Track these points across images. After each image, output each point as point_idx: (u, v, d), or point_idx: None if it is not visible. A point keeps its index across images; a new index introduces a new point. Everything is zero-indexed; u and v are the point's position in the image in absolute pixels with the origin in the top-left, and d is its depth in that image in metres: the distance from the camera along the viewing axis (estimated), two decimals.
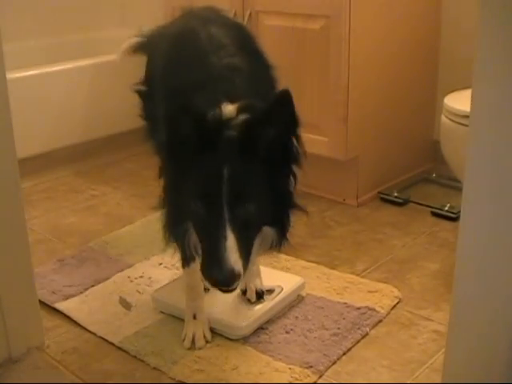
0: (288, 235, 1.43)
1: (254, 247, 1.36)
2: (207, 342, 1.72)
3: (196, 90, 1.41)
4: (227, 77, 1.46)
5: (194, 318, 1.73)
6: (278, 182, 1.35)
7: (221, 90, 1.42)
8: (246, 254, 1.27)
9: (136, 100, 1.81)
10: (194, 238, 1.40)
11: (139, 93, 1.79)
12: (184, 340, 1.71)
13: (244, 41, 1.62)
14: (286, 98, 1.25)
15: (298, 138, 1.33)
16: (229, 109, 1.35)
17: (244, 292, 1.83)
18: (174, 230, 1.42)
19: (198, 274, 1.71)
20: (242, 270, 1.24)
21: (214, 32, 1.58)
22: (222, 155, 1.29)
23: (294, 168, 1.36)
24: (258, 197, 1.31)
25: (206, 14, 1.73)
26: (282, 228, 1.41)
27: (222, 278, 1.23)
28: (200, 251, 1.36)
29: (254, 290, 1.82)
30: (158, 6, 3.08)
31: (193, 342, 1.71)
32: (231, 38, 1.58)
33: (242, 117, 1.33)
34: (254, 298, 1.81)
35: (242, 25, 1.83)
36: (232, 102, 1.38)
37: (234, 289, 1.28)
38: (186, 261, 1.70)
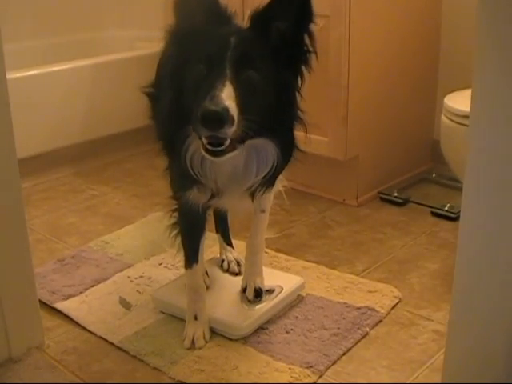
0: (294, 151, 1.42)
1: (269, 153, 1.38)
2: (206, 342, 1.72)
3: None
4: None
5: (195, 319, 1.74)
6: (285, 77, 1.36)
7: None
8: (248, 123, 1.28)
9: (142, 101, 1.82)
10: (191, 153, 1.40)
11: (148, 94, 1.80)
12: (184, 340, 1.72)
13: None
14: None
15: (310, 35, 1.35)
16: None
17: (244, 290, 1.84)
18: (175, 134, 1.40)
19: (201, 276, 1.75)
20: (235, 117, 1.24)
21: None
22: (231, 29, 1.34)
23: (303, 68, 1.38)
24: (263, 72, 1.32)
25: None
26: (285, 146, 1.41)
27: (215, 114, 1.23)
28: (201, 176, 1.39)
29: (253, 287, 1.82)
30: (158, 6, 3.08)
31: (193, 341, 1.71)
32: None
33: None
34: (251, 296, 1.81)
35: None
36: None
37: (225, 138, 1.27)
38: (190, 262, 1.72)
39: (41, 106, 2.82)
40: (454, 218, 2.35)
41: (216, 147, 1.29)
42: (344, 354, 1.68)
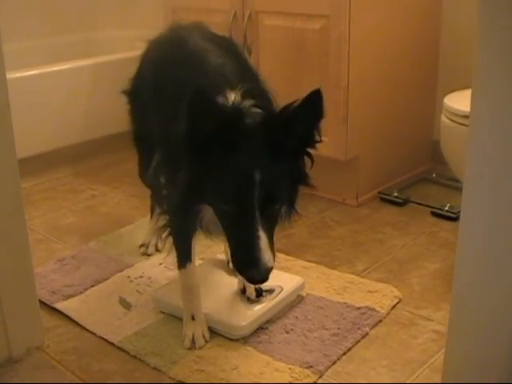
0: (296, 206, 1.49)
1: None
2: (206, 341, 1.72)
3: (193, 82, 1.44)
4: (220, 70, 1.52)
5: (193, 318, 1.74)
6: (296, 166, 1.41)
7: (217, 79, 1.47)
8: (272, 244, 1.35)
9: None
10: (207, 219, 1.47)
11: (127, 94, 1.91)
12: (184, 340, 1.72)
13: (231, 48, 1.68)
14: (319, 97, 1.32)
15: (319, 128, 1.39)
16: (232, 95, 1.41)
17: (243, 291, 1.84)
18: (188, 210, 1.46)
19: (194, 275, 1.75)
20: (273, 263, 1.33)
21: (202, 39, 1.67)
22: (252, 153, 1.34)
23: (311, 151, 1.43)
24: (284, 192, 1.39)
25: (194, 27, 1.81)
26: (292, 202, 1.47)
27: (260, 277, 1.33)
28: (212, 231, 1.48)
29: (253, 287, 1.82)
30: (158, 6, 3.08)
31: (193, 341, 1.71)
32: (218, 44, 1.65)
33: (251, 105, 1.39)
34: (253, 296, 1.81)
35: (228, 37, 1.88)
36: (231, 88, 1.42)
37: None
38: (183, 262, 1.72)
39: (41, 105, 2.83)
40: (454, 218, 2.35)
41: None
42: (344, 353, 1.68)
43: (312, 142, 1.40)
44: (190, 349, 1.69)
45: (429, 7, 2.68)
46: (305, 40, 2.44)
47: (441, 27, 2.75)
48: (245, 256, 1.33)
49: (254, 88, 1.47)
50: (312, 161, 1.43)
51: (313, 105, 1.33)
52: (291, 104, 1.33)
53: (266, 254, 1.30)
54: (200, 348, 1.70)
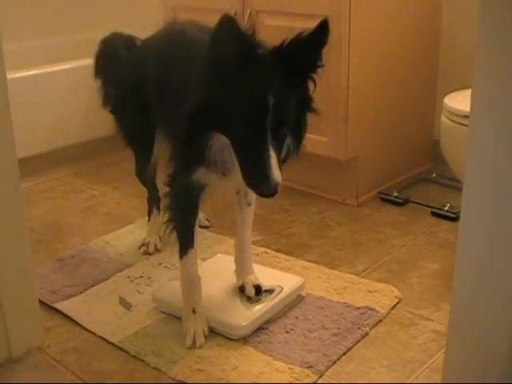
0: (304, 141, 1.56)
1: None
2: (205, 337, 1.72)
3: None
4: None
5: (194, 312, 1.73)
6: (302, 91, 1.48)
7: None
8: (279, 163, 1.44)
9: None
10: (214, 149, 1.50)
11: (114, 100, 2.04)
12: (185, 337, 1.71)
13: None
14: (326, 26, 1.41)
15: (321, 54, 1.47)
16: None
17: (242, 289, 1.84)
18: (197, 137, 1.50)
19: (196, 265, 1.75)
20: (280, 180, 1.40)
21: (199, 31, 1.72)
22: (266, 79, 1.42)
23: (314, 76, 1.49)
24: (292, 116, 1.46)
25: (188, 22, 1.87)
26: (299, 135, 1.54)
27: (271, 192, 1.41)
28: (217, 162, 1.52)
29: (252, 284, 1.83)
30: (158, 6, 3.08)
31: (194, 339, 1.71)
32: None
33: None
34: (252, 293, 1.81)
35: None
36: None
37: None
38: (184, 247, 1.72)
39: (41, 106, 2.83)
40: (454, 218, 2.35)
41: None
42: (344, 353, 1.68)
43: (315, 67, 1.47)
44: (190, 347, 1.69)
45: (429, 7, 2.68)
46: None
47: (441, 27, 2.75)
48: (257, 173, 1.41)
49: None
50: (315, 85, 1.50)
51: (319, 34, 1.42)
52: (299, 34, 1.42)
53: (275, 171, 1.39)
54: (200, 346, 1.69)
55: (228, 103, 1.42)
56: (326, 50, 1.46)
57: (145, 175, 2.18)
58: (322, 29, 1.41)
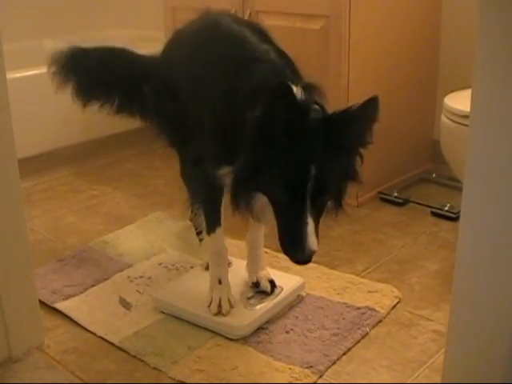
0: (343, 203, 1.57)
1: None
2: (232, 306, 1.77)
3: (245, 72, 1.55)
4: (268, 56, 1.61)
5: (220, 283, 1.79)
6: (349, 163, 1.50)
7: (273, 71, 1.55)
8: (317, 231, 1.46)
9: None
10: (257, 207, 1.52)
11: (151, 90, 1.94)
12: (210, 305, 1.76)
13: (264, 34, 1.74)
14: (376, 103, 1.43)
15: (371, 131, 1.48)
16: (296, 90, 1.46)
17: (257, 285, 1.86)
18: (242, 196, 1.51)
19: (223, 240, 1.82)
20: (317, 247, 1.43)
21: (234, 23, 1.74)
22: (311, 148, 1.41)
23: (361, 151, 1.51)
24: (334, 187, 1.49)
25: (222, 13, 1.88)
26: (339, 200, 1.56)
27: (305, 259, 1.44)
28: (261, 218, 1.55)
29: (267, 279, 1.86)
30: (158, 6, 3.08)
31: (219, 305, 1.76)
32: (250, 28, 1.72)
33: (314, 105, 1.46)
34: (268, 288, 1.85)
35: (257, 23, 1.97)
36: (292, 82, 1.47)
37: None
38: (212, 226, 1.80)
39: (41, 105, 2.82)
40: (454, 218, 2.35)
41: None
42: (344, 353, 1.68)
43: (364, 143, 1.48)
44: (216, 314, 1.74)
45: (429, 7, 2.68)
46: (305, 40, 2.44)
47: (441, 27, 2.75)
48: (293, 239, 1.44)
49: (308, 83, 1.53)
50: (362, 159, 1.52)
51: (369, 109, 1.42)
52: (350, 107, 1.43)
53: (311, 239, 1.41)
54: (226, 314, 1.74)
55: (272, 167, 1.43)
56: (375, 128, 1.47)
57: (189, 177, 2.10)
58: (372, 104, 1.42)
